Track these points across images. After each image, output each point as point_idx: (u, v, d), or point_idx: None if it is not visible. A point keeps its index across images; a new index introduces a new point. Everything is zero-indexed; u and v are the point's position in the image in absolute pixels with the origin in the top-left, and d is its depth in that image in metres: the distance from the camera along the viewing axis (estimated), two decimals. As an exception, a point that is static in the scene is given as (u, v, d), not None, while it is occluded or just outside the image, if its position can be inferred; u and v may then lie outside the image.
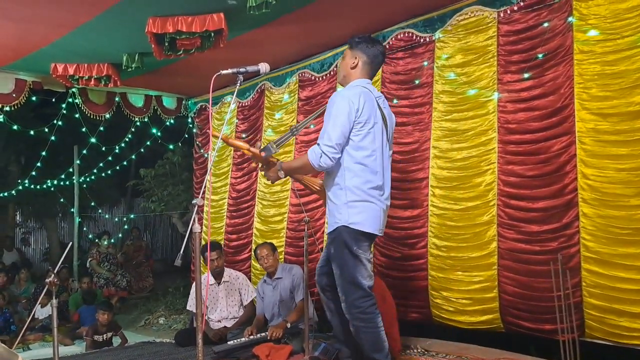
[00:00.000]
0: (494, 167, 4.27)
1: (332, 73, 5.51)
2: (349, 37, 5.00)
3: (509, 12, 4.22)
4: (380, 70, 5.01)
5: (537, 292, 3.97)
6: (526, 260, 4.06)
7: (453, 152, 4.51)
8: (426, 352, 4.29)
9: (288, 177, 3.65)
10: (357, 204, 3.18)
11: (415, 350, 4.34)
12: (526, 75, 4.11)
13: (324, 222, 5.44)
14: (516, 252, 4.12)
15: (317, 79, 5.64)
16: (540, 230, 4.01)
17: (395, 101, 4.90)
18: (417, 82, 4.79)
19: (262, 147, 3.49)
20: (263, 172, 3.60)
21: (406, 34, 4.86)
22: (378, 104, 3.32)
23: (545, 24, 4.01)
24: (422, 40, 4.75)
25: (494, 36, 4.31)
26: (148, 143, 8.46)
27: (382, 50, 3.43)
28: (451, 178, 4.51)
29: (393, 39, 4.94)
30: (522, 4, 4.13)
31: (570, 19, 3.88)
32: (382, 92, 4.96)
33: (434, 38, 4.67)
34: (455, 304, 4.44)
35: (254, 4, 3.91)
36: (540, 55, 4.04)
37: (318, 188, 3.62)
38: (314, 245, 4.76)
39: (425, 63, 4.73)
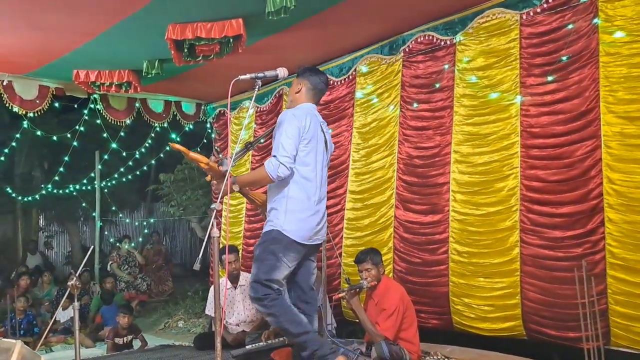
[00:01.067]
0: (516, 171, 4.21)
1: (350, 77, 5.48)
2: (368, 40, 4.99)
3: (532, 14, 4.15)
4: (399, 74, 5.00)
5: (560, 299, 3.90)
6: (550, 267, 3.99)
7: (474, 156, 4.46)
8: (446, 359, 4.25)
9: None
10: (295, 214, 3.36)
11: (434, 357, 4.30)
12: (550, 78, 4.04)
13: (342, 227, 5.42)
14: (539, 259, 4.05)
15: (335, 83, 5.62)
16: (564, 236, 3.94)
17: (415, 105, 4.87)
18: (437, 85, 4.75)
19: (219, 162, 3.60)
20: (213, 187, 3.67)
21: (426, 37, 4.82)
22: (322, 128, 3.55)
23: (570, 26, 3.94)
24: (442, 43, 4.71)
25: (517, 39, 4.25)
26: (167, 148, 8.51)
27: (325, 80, 3.64)
28: (473, 183, 4.46)
29: (413, 42, 4.91)
30: (545, 5, 4.07)
31: (595, 20, 3.81)
32: (401, 95, 4.97)
33: (454, 41, 4.63)
34: (476, 311, 4.38)
35: (273, 10, 3.91)
36: (564, 58, 3.97)
37: (260, 202, 3.81)
38: (332, 250, 4.73)
39: (446, 66, 4.69)
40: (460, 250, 4.49)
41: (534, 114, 4.15)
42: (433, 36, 4.76)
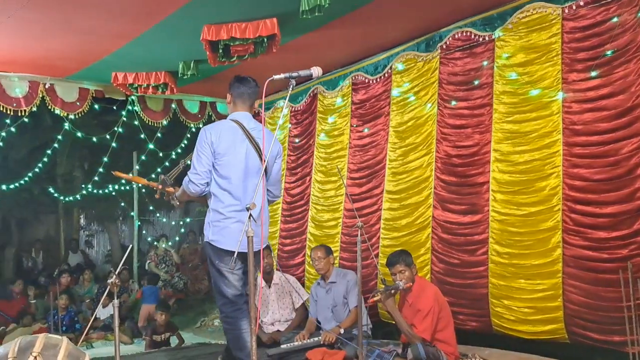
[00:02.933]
0: (558, 170, 4.11)
1: (386, 75, 5.42)
2: (404, 37, 4.96)
3: (574, 7, 4.03)
4: (437, 71, 4.93)
5: (604, 302, 3.79)
6: (593, 268, 3.89)
7: (515, 155, 4.37)
8: None
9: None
10: (217, 224, 3.57)
11: (473, 359, 4.23)
12: (593, 74, 3.92)
13: (379, 228, 5.38)
14: (582, 260, 3.94)
15: (371, 81, 5.58)
16: (609, 237, 3.82)
17: (453, 103, 4.79)
18: (476, 82, 4.66)
19: (160, 181, 3.94)
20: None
21: (464, 34, 4.73)
22: (249, 134, 3.63)
23: (614, 19, 3.81)
24: (481, 39, 4.62)
25: (558, 33, 4.14)
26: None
27: (249, 84, 3.75)
28: (513, 182, 4.37)
29: (450, 38, 4.83)
30: (588, -2, 3.95)
31: (641, 13, 3.67)
32: (439, 93, 4.88)
33: (493, 37, 4.53)
34: (516, 313, 4.29)
35: (307, 8, 3.90)
36: (608, 53, 3.84)
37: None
38: (368, 251, 4.70)
39: (485, 63, 4.60)
40: (500, 251, 4.40)
41: (576, 110, 4.03)
42: (471, 32, 4.67)
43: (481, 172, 4.58)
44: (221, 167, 3.56)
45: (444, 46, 4.87)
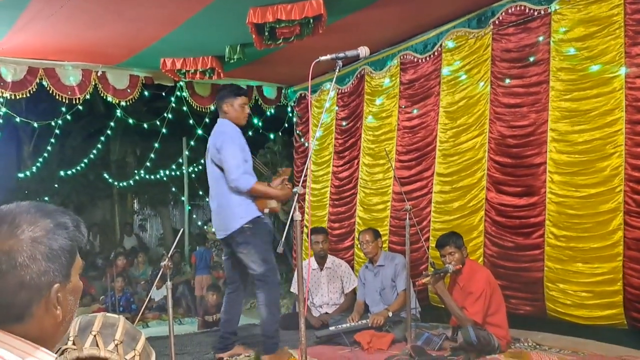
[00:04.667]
0: (620, 150, 3.95)
1: (436, 54, 5.27)
2: (454, 14, 4.82)
3: (638, -25, 3.79)
4: (489, 48, 4.76)
5: (669, 287, 3.62)
6: (657, 252, 3.71)
7: (574, 134, 4.22)
8: (538, 346, 4.17)
9: None
10: None
11: (525, 344, 4.24)
12: (660, 46, 3.69)
13: (429, 211, 5.29)
14: (646, 243, 3.77)
15: (420, 60, 5.44)
16: (675, 218, 3.63)
17: (507, 81, 4.64)
18: (531, 59, 4.49)
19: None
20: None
21: (518, 8, 4.54)
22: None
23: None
24: (536, 13, 4.43)
25: (620, 4, 3.95)
26: (250, 133, 8.68)
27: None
28: (572, 163, 4.22)
29: (503, 13, 4.66)
30: (654, -34, 3.70)
31: None
32: (492, 71, 4.74)
33: (549, 10, 4.34)
34: (573, 297, 4.20)
35: (354, -14, 3.81)
36: (677, 22, 3.60)
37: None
38: (418, 235, 4.63)
39: (541, 38, 4.42)
40: (557, 234, 4.28)
41: (641, 86, 3.81)
42: (525, 6, 4.48)
43: (537, 152, 4.45)
44: None
45: (497, 22, 4.70)
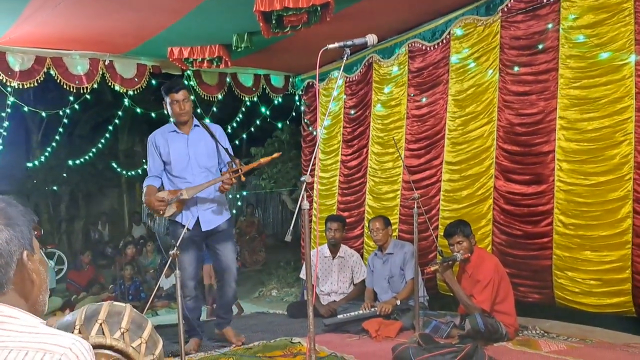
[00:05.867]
0: (630, 137, 3.92)
1: (444, 41, 5.23)
2: (463, 1, 4.77)
3: (649, -40, 3.74)
4: (498, 36, 4.73)
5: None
6: (667, 240, 3.70)
7: (583, 122, 4.18)
8: (546, 334, 4.18)
9: None
10: None
11: (533, 332, 4.26)
12: (671, 33, 3.64)
13: (439, 200, 5.29)
14: (655, 231, 3.76)
15: (428, 48, 5.40)
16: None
17: (516, 68, 4.60)
18: (540, 46, 4.44)
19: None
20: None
21: (527, -5, 4.49)
22: None
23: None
24: (545, 0, 4.37)
25: (631, -10, 3.87)
26: (257, 122, 8.67)
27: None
28: (581, 151, 4.20)
29: (512, 0, 4.60)
30: (666, -50, 3.65)
31: None
32: (500, 59, 4.73)
33: (558, -3, 4.28)
34: (581, 285, 4.19)
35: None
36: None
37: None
38: (426, 223, 4.63)
39: (550, 25, 4.37)
40: (565, 222, 4.27)
41: (651, 74, 3.78)
42: (534, -7, 4.43)
43: (546, 140, 4.42)
44: None
45: (505, 9, 4.65)
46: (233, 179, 4.15)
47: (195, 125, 4.37)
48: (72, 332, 1.29)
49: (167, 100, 4.29)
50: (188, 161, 4.24)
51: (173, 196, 4.13)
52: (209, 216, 4.26)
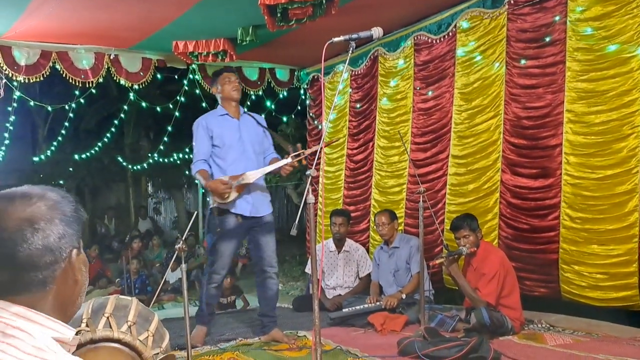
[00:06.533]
0: (638, 131, 3.88)
1: (450, 34, 5.20)
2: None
3: (658, -49, 3.70)
4: (504, 29, 4.69)
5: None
6: (674, 234, 3.67)
7: (590, 115, 4.15)
8: (552, 328, 4.19)
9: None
10: None
11: (539, 325, 4.26)
12: (680, 25, 3.60)
13: (445, 193, 5.27)
14: (662, 225, 3.73)
15: (434, 41, 5.37)
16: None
17: (522, 61, 4.57)
18: (547, 39, 4.41)
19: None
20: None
21: (534, -13, 4.45)
22: None
23: None
24: (552, -8, 4.34)
25: (639, -18, 3.83)
26: (262, 116, 8.66)
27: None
28: (588, 144, 4.17)
29: (519, -8, 4.56)
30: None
31: None
32: (507, 52, 4.72)
33: (566, -11, 4.25)
34: (588, 279, 4.17)
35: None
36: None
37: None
38: (432, 217, 4.63)
39: (557, 18, 4.33)
40: (572, 216, 4.25)
41: (659, 66, 3.75)
42: (541, -15, 4.39)
43: (553, 134, 4.39)
44: None
45: (512, 1, 4.61)
46: (296, 163, 4.02)
47: (244, 113, 4.33)
48: (80, 326, 1.30)
49: (220, 81, 4.27)
50: (242, 146, 4.14)
51: (234, 181, 4.00)
52: (258, 205, 4.16)
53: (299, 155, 3.99)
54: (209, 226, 4.31)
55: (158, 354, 1.36)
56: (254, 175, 4.02)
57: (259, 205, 4.16)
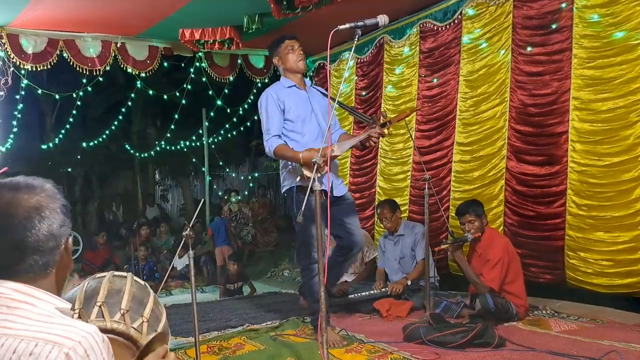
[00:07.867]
0: (645, 118, 3.85)
1: (456, 21, 5.18)
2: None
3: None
4: (510, 16, 4.66)
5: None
6: (680, 221, 3.67)
7: (597, 103, 4.13)
8: (556, 314, 4.19)
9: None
10: None
11: (544, 312, 4.27)
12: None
13: (449, 181, 5.27)
14: (668, 212, 3.73)
15: (440, 28, 5.35)
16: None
17: (528, 48, 4.56)
18: (554, 26, 4.39)
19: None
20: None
21: (541, -27, 4.42)
22: None
23: None
24: (558, -22, 4.31)
25: (647, -32, 3.79)
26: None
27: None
28: (594, 132, 4.16)
29: (525, -21, 4.53)
30: None
31: None
32: (513, 39, 4.68)
33: (573, -25, 4.22)
34: (593, 266, 4.18)
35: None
36: None
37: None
38: (437, 204, 4.64)
39: (564, 5, 4.31)
40: (579, 203, 4.25)
41: (667, 53, 3.72)
42: (548, -29, 4.36)
43: (559, 121, 4.38)
44: None
45: (519, -12, 4.59)
46: (385, 131, 3.64)
47: (311, 86, 3.96)
48: (72, 316, 1.28)
49: (282, 50, 3.80)
50: (316, 119, 3.74)
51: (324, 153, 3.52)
52: (338, 183, 3.82)
53: (384, 125, 3.61)
54: (296, 208, 3.58)
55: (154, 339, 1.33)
56: (342, 147, 3.64)
57: (339, 183, 3.84)
